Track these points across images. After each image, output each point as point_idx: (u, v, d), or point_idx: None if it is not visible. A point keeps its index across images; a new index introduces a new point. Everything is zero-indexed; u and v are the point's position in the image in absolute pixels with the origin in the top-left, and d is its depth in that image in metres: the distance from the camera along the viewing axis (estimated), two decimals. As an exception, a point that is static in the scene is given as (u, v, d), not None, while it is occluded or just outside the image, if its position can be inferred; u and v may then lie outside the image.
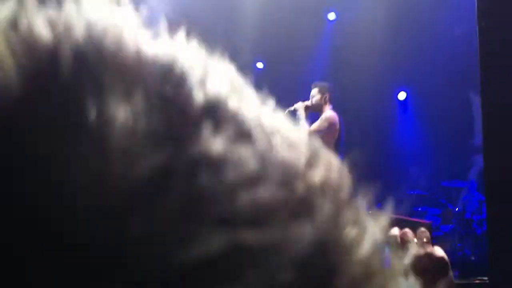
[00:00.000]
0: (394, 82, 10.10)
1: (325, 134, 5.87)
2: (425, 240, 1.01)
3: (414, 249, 1.00)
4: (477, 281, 3.76)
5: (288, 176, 0.29)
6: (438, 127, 9.44)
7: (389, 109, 10.43)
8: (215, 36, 9.48)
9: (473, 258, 7.64)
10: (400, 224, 3.87)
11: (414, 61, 9.59)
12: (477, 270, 7.14)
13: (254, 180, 0.27)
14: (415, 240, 1.02)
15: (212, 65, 0.35)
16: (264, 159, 0.28)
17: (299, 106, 6.00)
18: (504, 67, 1.16)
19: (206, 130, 0.27)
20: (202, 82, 0.31)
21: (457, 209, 8.11)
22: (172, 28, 0.36)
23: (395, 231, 1.05)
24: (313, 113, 6.18)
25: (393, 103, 10.43)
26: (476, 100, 9.50)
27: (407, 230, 1.03)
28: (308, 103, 6.08)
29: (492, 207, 1.20)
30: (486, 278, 3.67)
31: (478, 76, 7.39)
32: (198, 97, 0.29)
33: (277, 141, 0.31)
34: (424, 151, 9.51)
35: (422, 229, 1.03)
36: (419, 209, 8.42)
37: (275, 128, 0.32)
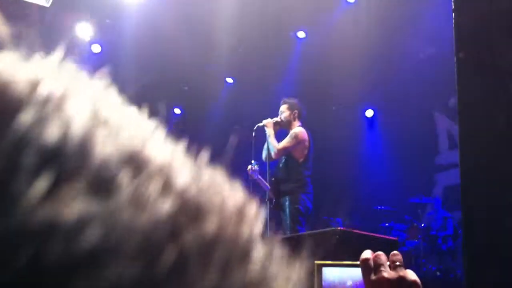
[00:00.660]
0: (362, 99, 10.24)
1: (294, 150, 5.87)
2: (398, 263, 1.01)
3: (387, 273, 0.99)
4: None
5: (148, 247, 0.26)
6: (404, 145, 9.60)
7: (356, 126, 10.56)
8: (187, 51, 9.49)
9: (438, 273, 7.75)
10: (367, 240, 3.91)
11: (382, 80, 9.76)
12: (442, 286, 7.27)
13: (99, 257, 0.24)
14: (388, 263, 1.01)
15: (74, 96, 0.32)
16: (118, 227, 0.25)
17: (268, 122, 5.93)
18: (481, 97, 1.21)
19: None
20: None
21: (422, 225, 8.23)
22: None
23: (368, 253, 1.04)
24: (282, 130, 6.15)
25: (360, 120, 10.56)
26: (439, 120, 9.72)
27: (380, 253, 1.03)
28: (277, 119, 6.00)
29: (467, 210, 1.24)
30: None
31: (442, 97, 7.56)
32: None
33: (147, 191, 0.28)
34: (391, 168, 9.64)
35: (395, 252, 1.03)
36: (386, 224, 8.51)
37: (154, 170, 0.30)
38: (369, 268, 1.01)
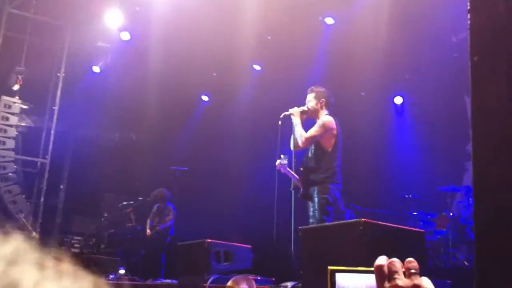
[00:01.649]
0: (391, 86, 10.10)
1: (322, 139, 5.82)
2: (413, 270, 0.98)
3: (401, 281, 0.97)
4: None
5: None
6: (434, 132, 9.45)
7: (385, 113, 10.43)
8: (215, 38, 9.50)
9: (466, 263, 7.65)
10: (391, 232, 3.86)
11: (411, 66, 9.61)
12: (470, 276, 7.17)
13: None
14: (403, 270, 0.99)
15: None
16: None
17: (294, 111, 5.86)
18: (495, 101, 1.17)
19: None
20: None
21: (451, 214, 8.12)
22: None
23: (383, 260, 1.01)
24: (309, 119, 6.07)
25: (389, 107, 10.43)
26: (470, 105, 9.52)
27: (395, 259, 1.00)
28: (304, 108, 5.92)
29: (480, 210, 1.21)
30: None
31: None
32: None
33: None
34: (420, 155, 9.51)
35: (410, 259, 1.00)
36: (414, 213, 8.43)
37: None
38: (383, 275, 0.98)
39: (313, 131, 5.79)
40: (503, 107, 1.18)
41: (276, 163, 5.74)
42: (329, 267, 1.18)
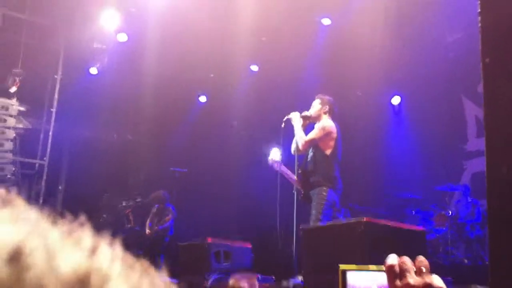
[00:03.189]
0: (389, 86, 10.13)
1: (320, 142, 5.86)
2: (424, 269, 1.00)
3: (412, 279, 0.98)
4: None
5: None
6: (432, 131, 9.49)
7: (382, 113, 10.46)
8: (212, 39, 9.51)
9: (466, 261, 7.69)
10: (392, 231, 3.89)
11: (408, 66, 9.64)
12: (469, 274, 7.20)
13: None
14: (414, 268, 0.99)
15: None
16: None
17: (294, 115, 5.95)
18: (508, 102, 1.18)
19: None
20: None
21: (450, 213, 8.15)
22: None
23: (394, 259, 1.01)
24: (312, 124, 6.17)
25: (386, 106, 10.46)
26: (467, 106, 9.57)
27: (405, 258, 1.00)
28: (306, 113, 6.03)
29: (494, 209, 1.23)
30: (480, 286, 3.67)
31: (471, 82, 7.46)
32: None
33: None
34: (418, 155, 9.54)
35: (421, 257, 1.00)
36: (413, 212, 8.46)
37: None
38: (394, 274, 0.99)
39: (313, 134, 5.86)
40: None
41: (269, 159, 5.80)
42: (341, 266, 1.19)
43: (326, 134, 5.82)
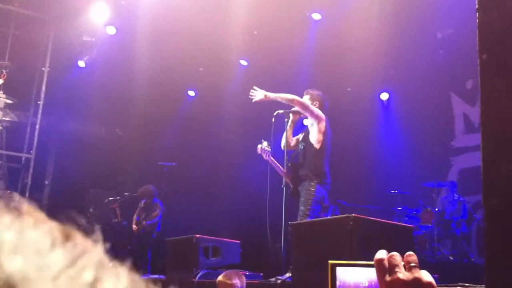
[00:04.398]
0: (377, 82, 10.15)
1: (311, 134, 5.82)
2: (413, 264, 0.99)
3: (402, 274, 0.98)
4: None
5: None
6: (420, 127, 9.53)
7: (371, 109, 10.49)
8: (202, 33, 9.47)
9: (451, 258, 7.75)
10: (380, 227, 3.90)
11: (398, 62, 9.67)
12: (455, 271, 7.26)
13: None
14: (403, 263, 1.00)
15: None
16: None
17: (287, 110, 5.92)
18: (505, 99, 1.19)
19: None
20: None
21: (436, 209, 8.21)
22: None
23: (383, 254, 1.02)
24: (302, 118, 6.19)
25: (375, 103, 10.49)
26: (456, 103, 9.63)
27: (395, 253, 1.01)
28: (297, 108, 5.91)
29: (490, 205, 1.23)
30: (467, 284, 3.70)
31: (459, 79, 7.47)
32: None
33: None
34: (405, 151, 9.57)
35: (410, 252, 1.01)
36: (400, 208, 8.51)
37: None
38: (383, 269, 1.00)
39: (304, 99, 5.83)
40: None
41: (258, 147, 5.78)
42: (330, 261, 1.19)
43: (317, 116, 5.76)
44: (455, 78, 9.18)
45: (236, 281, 4.07)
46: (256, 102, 5.90)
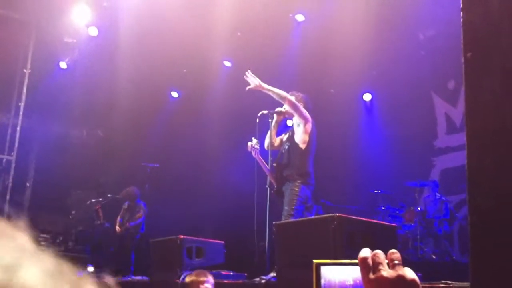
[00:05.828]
0: (360, 83, 10.21)
1: (296, 134, 5.84)
2: (396, 261, 0.99)
3: (386, 272, 0.99)
4: (441, 285, 3.81)
5: None
6: (402, 128, 9.61)
7: (354, 110, 10.55)
8: (185, 34, 9.44)
9: (434, 257, 7.82)
10: (364, 226, 3.92)
11: (381, 63, 9.73)
12: (438, 269, 7.34)
13: None
14: (387, 261, 1.00)
15: None
16: None
17: (271, 111, 5.91)
18: (489, 97, 1.21)
19: None
20: None
21: (419, 209, 8.28)
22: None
23: (366, 252, 1.02)
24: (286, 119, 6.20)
25: (358, 104, 10.55)
26: (438, 103, 9.73)
27: (378, 251, 1.02)
28: (280, 109, 5.97)
29: (473, 202, 1.24)
30: (450, 282, 3.74)
31: (441, 79, 7.55)
32: None
33: None
34: (388, 151, 9.65)
35: (393, 250, 1.02)
36: (383, 208, 8.56)
37: None
38: (367, 267, 1.00)
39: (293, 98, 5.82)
40: (498, 102, 1.21)
41: (248, 145, 5.78)
42: (314, 261, 1.19)
43: (305, 117, 5.78)
44: (437, 79, 9.27)
45: (209, 278, 4.09)
46: (250, 89, 5.88)
